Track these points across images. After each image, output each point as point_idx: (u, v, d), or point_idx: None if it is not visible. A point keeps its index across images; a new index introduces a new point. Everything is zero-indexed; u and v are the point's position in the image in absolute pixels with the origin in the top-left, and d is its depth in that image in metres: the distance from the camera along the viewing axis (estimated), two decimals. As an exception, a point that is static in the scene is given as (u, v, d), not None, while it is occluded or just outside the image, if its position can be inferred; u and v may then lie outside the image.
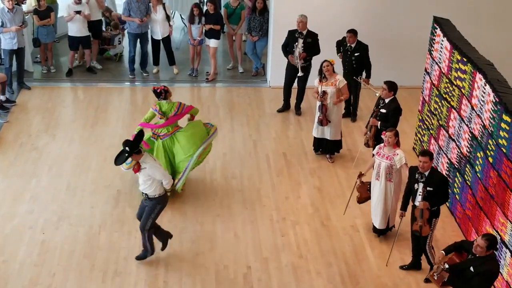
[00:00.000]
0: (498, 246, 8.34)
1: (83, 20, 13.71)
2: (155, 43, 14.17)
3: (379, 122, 9.90)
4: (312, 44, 12.17)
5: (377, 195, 9.06)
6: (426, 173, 8.21)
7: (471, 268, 7.07)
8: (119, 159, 8.33)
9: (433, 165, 8.46)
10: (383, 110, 9.88)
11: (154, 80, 14.20)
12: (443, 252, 7.48)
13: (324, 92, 10.68)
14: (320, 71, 10.75)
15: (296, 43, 12.15)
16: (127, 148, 8.17)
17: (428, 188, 8.20)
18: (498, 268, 7.25)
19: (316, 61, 12.32)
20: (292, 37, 12.23)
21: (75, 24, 13.70)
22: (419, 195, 8.24)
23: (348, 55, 11.90)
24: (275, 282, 8.46)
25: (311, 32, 12.17)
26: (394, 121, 9.85)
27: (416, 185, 8.30)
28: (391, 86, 9.85)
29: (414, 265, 8.69)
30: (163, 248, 8.80)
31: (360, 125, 12.24)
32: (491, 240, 7.07)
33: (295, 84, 12.66)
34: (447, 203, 10.02)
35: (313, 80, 12.21)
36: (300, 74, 12.11)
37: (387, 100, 9.89)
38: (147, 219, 8.45)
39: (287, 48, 12.31)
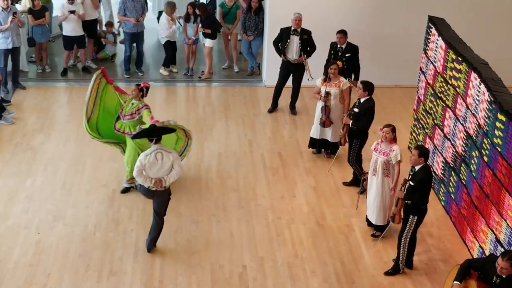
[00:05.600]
0: (494, 245, 8.38)
1: (78, 20, 13.68)
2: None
3: (351, 121, 9.90)
4: (308, 40, 12.19)
5: (374, 191, 9.09)
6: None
7: None
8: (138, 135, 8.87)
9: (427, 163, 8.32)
10: (356, 109, 9.88)
11: (149, 80, 14.17)
12: (458, 283, 7.14)
13: (328, 93, 10.66)
14: (326, 72, 10.73)
15: (289, 41, 12.15)
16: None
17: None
18: None
19: (314, 60, 12.39)
20: (285, 34, 12.23)
21: (70, 24, 13.67)
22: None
23: (338, 56, 11.76)
24: (271, 281, 8.46)
25: (305, 29, 12.18)
26: (366, 121, 9.83)
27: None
28: (366, 86, 9.78)
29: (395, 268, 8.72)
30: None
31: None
32: None
33: (288, 84, 12.67)
34: (442, 202, 10.05)
35: (305, 80, 12.29)
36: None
37: (362, 100, 9.87)
38: None
39: (279, 45, 12.32)
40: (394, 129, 8.95)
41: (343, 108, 10.77)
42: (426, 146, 10.65)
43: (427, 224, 9.54)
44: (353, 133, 10.00)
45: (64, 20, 13.61)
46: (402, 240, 8.43)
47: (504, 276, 6.93)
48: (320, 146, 11.21)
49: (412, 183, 8.22)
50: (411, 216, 8.32)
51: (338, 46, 11.75)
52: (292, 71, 12.50)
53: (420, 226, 8.60)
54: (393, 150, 8.88)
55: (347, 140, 10.19)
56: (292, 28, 12.16)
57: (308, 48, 12.24)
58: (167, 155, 8.45)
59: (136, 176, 8.45)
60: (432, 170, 10.29)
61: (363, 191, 9.58)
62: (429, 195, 8.34)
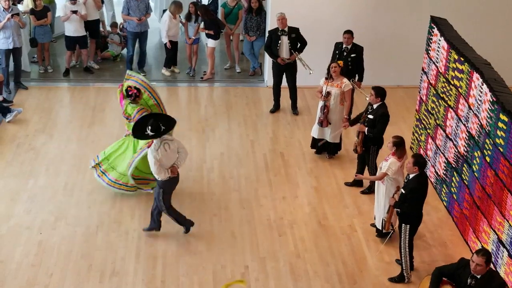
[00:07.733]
0: (496, 246, 8.38)
1: (80, 20, 13.70)
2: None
3: (366, 128, 9.84)
4: (296, 38, 12.18)
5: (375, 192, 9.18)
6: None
7: None
8: (140, 133, 8.69)
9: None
10: (370, 116, 9.81)
11: (151, 80, 14.18)
12: None
13: (328, 93, 10.64)
14: (328, 71, 10.73)
15: (280, 41, 12.14)
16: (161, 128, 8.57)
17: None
18: (503, 279, 7.13)
19: (311, 56, 12.39)
20: (274, 36, 12.22)
21: (72, 24, 13.68)
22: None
23: (343, 57, 11.70)
24: (273, 282, 8.47)
25: (292, 27, 12.16)
26: (381, 128, 9.76)
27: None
28: (378, 92, 9.71)
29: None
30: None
31: (355, 128, 12.18)
32: (488, 253, 6.91)
33: (286, 84, 12.68)
34: (444, 202, 10.04)
35: (300, 78, 12.27)
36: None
37: (375, 106, 9.80)
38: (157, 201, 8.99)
39: (271, 49, 12.31)
40: (397, 143, 8.71)
41: (343, 110, 10.75)
42: (428, 146, 10.65)
43: (429, 225, 9.54)
44: (370, 140, 9.90)
45: (66, 20, 13.63)
46: (402, 250, 8.41)
47: (478, 276, 6.92)
48: (321, 147, 11.18)
49: (403, 191, 8.19)
50: (403, 225, 8.30)
51: (344, 46, 11.72)
52: (284, 70, 12.48)
53: (422, 226, 8.59)
54: (387, 161, 8.83)
55: (363, 148, 10.02)
56: (280, 29, 12.15)
57: (299, 45, 12.23)
58: (171, 143, 8.74)
59: (158, 173, 8.65)
60: (435, 169, 10.30)
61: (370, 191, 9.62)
62: (421, 205, 8.28)
